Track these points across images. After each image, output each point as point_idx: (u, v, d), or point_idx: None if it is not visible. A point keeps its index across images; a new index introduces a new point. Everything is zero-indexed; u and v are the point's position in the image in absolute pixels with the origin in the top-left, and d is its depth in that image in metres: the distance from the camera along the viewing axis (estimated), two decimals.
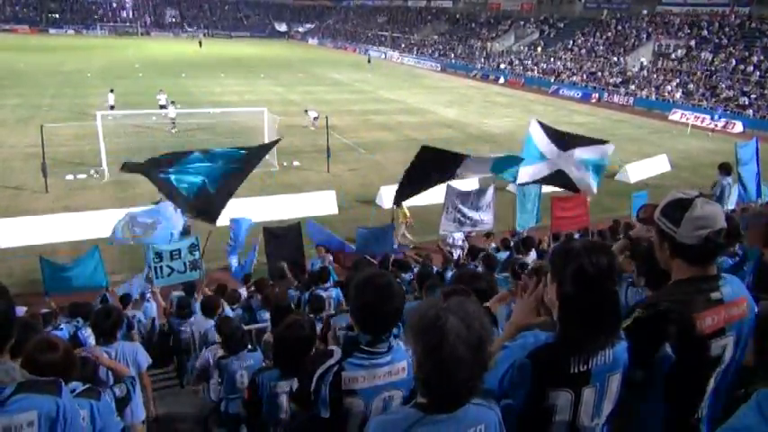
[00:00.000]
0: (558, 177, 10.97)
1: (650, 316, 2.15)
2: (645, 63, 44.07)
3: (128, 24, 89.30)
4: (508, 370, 2.04)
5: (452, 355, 1.69)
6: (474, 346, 1.72)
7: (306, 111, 27.63)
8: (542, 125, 11.22)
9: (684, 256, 2.22)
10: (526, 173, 11.14)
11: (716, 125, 32.78)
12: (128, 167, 9.29)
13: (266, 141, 21.84)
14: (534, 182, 11.35)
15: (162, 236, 9.62)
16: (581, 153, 10.63)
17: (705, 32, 43.32)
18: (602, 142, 11.09)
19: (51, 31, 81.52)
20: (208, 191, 8.81)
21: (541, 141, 10.96)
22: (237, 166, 9.14)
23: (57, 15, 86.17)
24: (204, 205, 8.97)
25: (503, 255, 9.90)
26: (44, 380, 2.24)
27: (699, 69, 40.12)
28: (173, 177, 8.70)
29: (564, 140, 10.93)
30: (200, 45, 70.45)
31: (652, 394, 2.25)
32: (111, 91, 28.74)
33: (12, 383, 2.08)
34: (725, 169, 11.15)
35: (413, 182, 9.60)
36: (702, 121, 33.59)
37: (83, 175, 18.74)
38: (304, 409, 2.65)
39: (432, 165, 9.51)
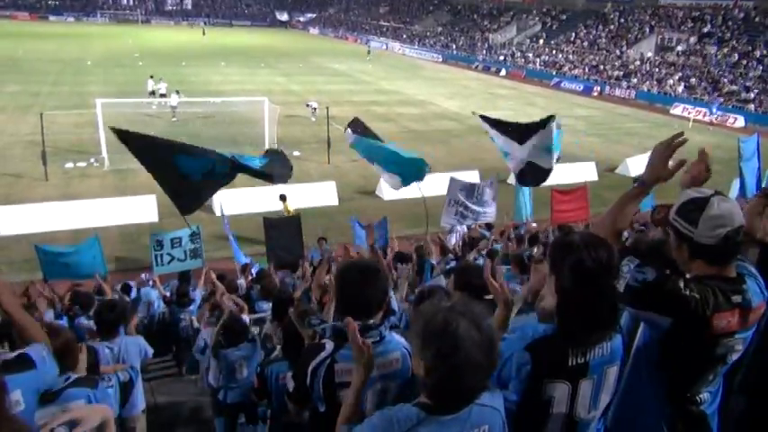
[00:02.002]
0: (535, 172, 9.83)
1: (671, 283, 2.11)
2: (651, 56, 43.87)
3: (128, 12, 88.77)
4: (506, 362, 2.05)
5: (468, 360, 1.67)
6: (487, 349, 1.71)
7: (307, 105, 27.45)
8: (487, 120, 10.19)
9: (704, 257, 2.18)
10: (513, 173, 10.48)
11: (714, 118, 32.70)
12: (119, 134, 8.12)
13: (266, 131, 21.83)
14: (524, 181, 10.40)
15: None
16: (536, 142, 9.55)
17: (708, 26, 43.12)
18: (546, 123, 9.66)
19: (51, 17, 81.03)
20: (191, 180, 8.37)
21: (498, 138, 9.95)
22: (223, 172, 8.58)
23: (57, 2, 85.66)
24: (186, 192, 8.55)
25: (498, 246, 9.89)
26: (20, 358, 2.24)
27: (701, 63, 39.97)
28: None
29: (515, 133, 9.75)
30: (204, 33, 70.00)
31: (649, 371, 2.27)
32: (151, 77, 28.65)
33: None
34: None
35: None
36: (704, 116, 33.52)
37: (83, 164, 18.71)
38: (300, 407, 2.64)
39: None
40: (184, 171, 7.68)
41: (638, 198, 2.42)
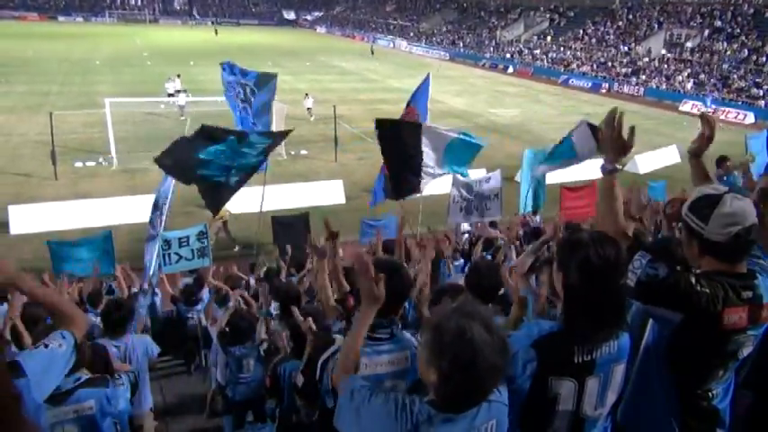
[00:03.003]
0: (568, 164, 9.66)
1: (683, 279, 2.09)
2: (660, 53, 43.53)
3: (136, 12, 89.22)
4: (513, 358, 2.03)
5: (487, 366, 1.67)
6: (503, 351, 1.71)
7: (306, 94, 27.38)
8: (592, 128, 9.36)
9: (713, 254, 2.16)
10: (547, 167, 10.12)
11: (708, 112, 32.39)
12: (161, 162, 8.30)
13: (273, 130, 21.87)
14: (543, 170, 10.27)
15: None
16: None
17: (718, 22, 42.75)
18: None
19: (60, 18, 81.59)
20: (227, 184, 8.65)
21: (584, 144, 9.31)
22: (260, 158, 8.87)
23: (65, 3, 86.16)
24: (216, 195, 8.82)
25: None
26: (10, 367, 2.17)
27: (711, 59, 39.64)
28: (203, 171, 8.34)
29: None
30: (216, 33, 70.03)
31: (658, 367, 2.26)
32: (178, 76, 29.00)
33: None
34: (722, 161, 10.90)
35: (402, 167, 9.40)
36: (713, 112, 33.25)
37: (92, 163, 18.82)
38: (309, 404, 2.64)
39: (397, 141, 9.12)
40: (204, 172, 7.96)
41: (613, 186, 2.33)
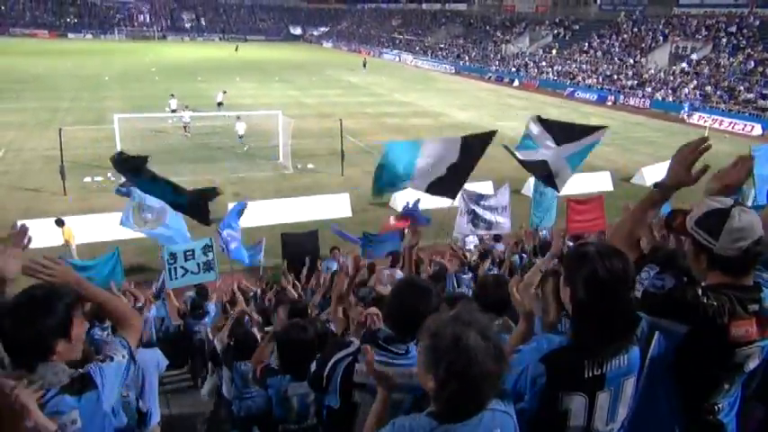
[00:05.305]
0: (539, 167, 9.63)
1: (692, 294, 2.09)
2: (665, 65, 43.55)
3: (145, 29, 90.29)
4: (522, 373, 2.03)
5: (482, 372, 1.68)
6: (498, 358, 1.71)
7: (238, 117, 24.72)
8: (543, 122, 9.79)
9: (722, 268, 2.16)
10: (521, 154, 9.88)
11: (686, 116, 32.39)
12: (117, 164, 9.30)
13: (280, 144, 21.98)
14: (520, 162, 9.89)
15: (168, 237, 9.88)
16: (573, 148, 9.30)
17: (723, 34, 42.78)
18: (598, 128, 9.51)
19: (70, 35, 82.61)
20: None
21: (539, 136, 9.63)
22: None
23: (75, 20, 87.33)
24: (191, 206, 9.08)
25: (515, 258, 9.82)
26: (81, 379, 2.23)
27: (716, 71, 39.61)
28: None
29: (561, 134, 9.48)
30: (237, 49, 69.42)
31: (664, 380, 2.25)
32: (224, 92, 30.13)
33: (57, 386, 2.12)
34: None
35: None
36: (720, 124, 33.19)
37: (100, 178, 18.94)
38: (317, 391, 2.71)
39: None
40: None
41: (658, 203, 2.39)
